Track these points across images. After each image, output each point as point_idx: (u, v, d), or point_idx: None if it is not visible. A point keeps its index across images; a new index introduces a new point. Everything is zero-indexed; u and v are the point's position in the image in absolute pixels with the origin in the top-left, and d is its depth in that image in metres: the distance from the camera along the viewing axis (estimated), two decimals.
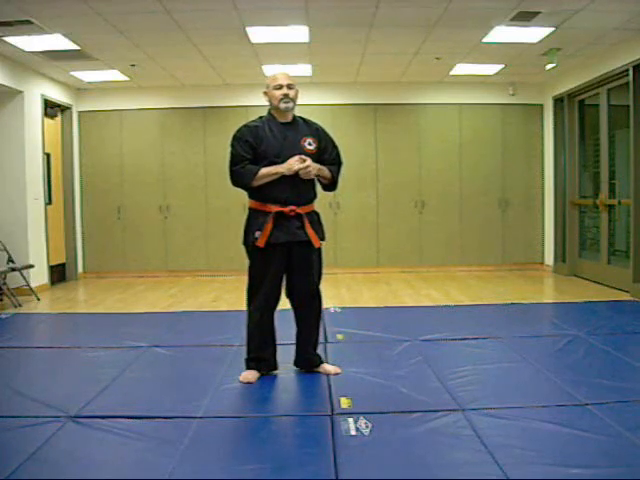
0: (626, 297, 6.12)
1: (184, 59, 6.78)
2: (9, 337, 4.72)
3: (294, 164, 3.27)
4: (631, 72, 6.09)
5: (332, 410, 2.96)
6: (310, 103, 7.92)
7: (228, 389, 3.34)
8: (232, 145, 3.39)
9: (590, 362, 3.75)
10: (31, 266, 6.79)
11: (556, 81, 7.91)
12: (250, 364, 3.50)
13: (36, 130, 7.15)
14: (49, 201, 7.58)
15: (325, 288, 7.09)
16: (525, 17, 5.34)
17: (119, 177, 8.36)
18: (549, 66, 6.75)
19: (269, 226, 3.29)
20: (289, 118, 3.42)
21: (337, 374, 3.51)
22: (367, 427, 2.73)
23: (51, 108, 7.70)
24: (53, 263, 7.62)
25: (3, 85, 6.45)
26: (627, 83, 6.22)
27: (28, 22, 5.21)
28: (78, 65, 6.90)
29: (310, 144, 3.38)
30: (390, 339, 4.34)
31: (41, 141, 7.26)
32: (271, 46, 6.29)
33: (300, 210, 3.33)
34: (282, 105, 3.35)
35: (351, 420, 2.80)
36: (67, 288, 7.59)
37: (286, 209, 3.30)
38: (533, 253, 8.54)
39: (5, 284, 6.30)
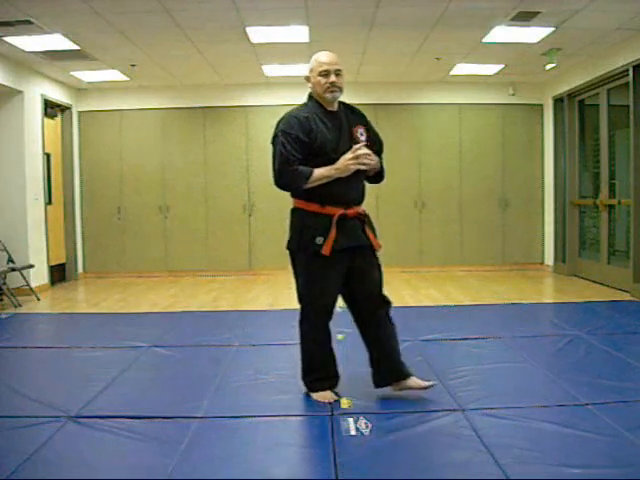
0: (626, 297, 6.12)
1: (184, 59, 6.78)
2: (9, 337, 4.73)
3: (350, 163, 2.89)
4: (631, 72, 6.09)
5: (332, 410, 2.96)
6: None
7: (228, 389, 3.34)
8: (280, 142, 2.91)
9: (590, 362, 3.75)
10: (31, 266, 6.79)
11: (556, 81, 7.91)
12: (319, 384, 3.10)
13: (36, 130, 7.15)
14: (49, 201, 7.58)
15: None
16: (525, 17, 5.34)
17: (119, 177, 8.36)
18: (549, 66, 6.75)
19: (334, 231, 2.91)
20: (335, 107, 3.04)
21: (425, 388, 3.06)
22: (367, 427, 2.73)
23: (51, 108, 7.70)
24: (53, 263, 7.62)
25: (3, 85, 6.45)
26: (627, 83, 6.22)
27: (28, 22, 5.21)
28: (78, 65, 6.90)
29: (362, 134, 3.00)
30: None
31: (41, 141, 7.26)
32: (271, 46, 6.29)
33: (360, 210, 3.04)
34: (328, 95, 2.97)
35: (351, 420, 2.81)
36: (67, 288, 7.59)
37: (350, 211, 2.96)
38: (533, 253, 8.54)
39: (5, 284, 6.30)
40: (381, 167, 3.13)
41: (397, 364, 3.10)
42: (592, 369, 3.58)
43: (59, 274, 7.92)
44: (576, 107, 7.72)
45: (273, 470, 2.41)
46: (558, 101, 7.96)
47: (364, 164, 2.93)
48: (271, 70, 7.44)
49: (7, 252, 6.60)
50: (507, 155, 8.45)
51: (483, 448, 2.49)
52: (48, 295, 6.96)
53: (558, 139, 8.00)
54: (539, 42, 6.12)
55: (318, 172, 2.89)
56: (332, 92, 2.97)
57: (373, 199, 8.30)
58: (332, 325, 3.84)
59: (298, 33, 5.83)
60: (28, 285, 6.66)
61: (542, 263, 8.50)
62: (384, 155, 3.20)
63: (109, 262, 8.38)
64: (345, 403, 3.03)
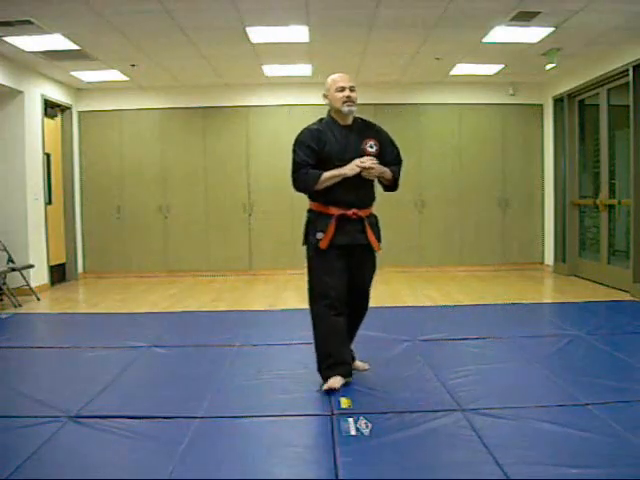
0: (626, 297, 6.12)
1: (184, 59, 6.78)
2: (9, 337, 4.73)
3: (357, 164, 3.25)
4: (631, 72, 6.09)
5: (332, 410, 2.96)
6: (310, 103, 7.93)
7: (228, 389, 3.34)
8: (294, 150, 3.34)
9: (590, 362, 3.75)
10: (31, 266, 6.79)
11: (556, 81, 7.91)
12: (331, 371, 3.28)
13: (36, 130, 7.15)
14: (49, 201, 7.58)
15: None
16: (525, 17, 5.34)
17: (119, 177, 8.36)
18: (549, 66, 6.75)
19: (332, 228, 3.26)
20: (349, 121, 3.41)
21: (365, 370, 3.58)
22: (367, 427, 2.73)
23: (51, 108, 7.70)
24: (53, 263, 7.62)
25: (3, 85, 6.45)
26: (627, 83, 6.22)
27: (28, 22, 5.21)
28: (78, 65, 6.90)
29: (372, 147, 3.35)
30: (390, 339, 4.34)
31: (41, 141, 7.26)
32: (271, 46, 6.29)
33: (361, 213, 3.33)
34: (345, 108, 3.34)
35: (351, 420, 2.81)
36: (67, 288, 7.59)
37: (349, 212, 3.28)
38: (533, 253, 8.54)
39: (5, 284, 6.30)
40: (395, 177, 3.45)
41: (350, 351, 3.54)
42: (592, 369, 3.58)
43: (59, 274, 7.92)
44: (576, 107, 7.72)
45: (273, 470, 2.41)
46: (558, 101, 7.96)
47: (366, 170, 3.26)
48: (271, 70, 7.44)
49: (7, 252, 6.60)
50: (507, 155, 8.45)
51: (483, 448, 2.49)
52: (48, 295, 6.96)
53: (558, 139, 8.00)
54: (539, 42, 6.12)
55: (327, 174, 3.25)
56: (349, 106, 3.34)
57: None
58: None
59: (298, 33, 5.83)
60: (28, 285, 6.66)
61: (542, 263, 8.50)
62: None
63: (109, 262, 8.38)
64: (345, 403, 3.04)
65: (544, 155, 8.43)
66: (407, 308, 5.81)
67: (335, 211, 3.27)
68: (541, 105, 8.42)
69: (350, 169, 3.25)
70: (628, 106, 6.19)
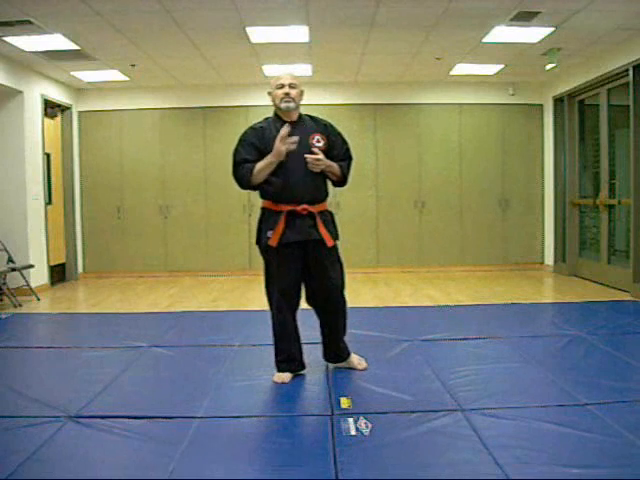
0: (626, 297, 6.12)
1: (184, 59, 6.78)
2: (9, 337, 4.73)
3: (278, 145, 3.22)
4: (631, 72, 6.09)
5: (332, 410, 2.96)
6: (310, 103, 7.92)
7: (228, 389, 3.34)
8: (236, 149, 3.41)
9: (590, 362, 3.75)
10: (31, 266, 6.79)
11: (556, 81, 7.91)
12: (282, 366, 3.47)
13: (36, 130, 7.15)
14: (49, 201, 7.58)
15: None
16: (525, 17, 5.34)
17: (119, 177, 8.36)
18: (549, 66, 6.75)
19: (281, 225, 3.28)
20: (294, 117, 3.43)
21: (363, 369, 3.60)
22: (367, 427, 2.73)
23: (51, 108, 7.70)
24: (53, 263, 7.62)
25: (3, 85, 6.45)
26: (627, 83, 6.23)
27: (28, 22, 5.21)
28: (78, 65, 6.90)
29: (319, 141, 3.39)
30: (390, 339, 4.35)
31: (41, 141, 7.26)
32: (271, 46, 6.29)
33: (313, 209, 3.33)
34: (283, 104, 3.36)
35: (351, 420, 2.81)
36: (67, 288, 7.59)
37: (298, 208, 3.29)
38: (533, 253, 8.54)
39: (5, 284, 6.30)
40: (343, 173, 3.49)
41: (338, 350, 3.61)
42: (592, 369, 3.58)
43: (59, 274, 7.93)
44: (576, 107, 7.72)
45: (273, 470, 2.41)
46: (558, 101, 7.96)
47: (312, 163, 3.28)
48: (271, 70, 7.43)
49: (7, 252, 6.60)
50: (507, 155, 8.45)
51: (483, 448, 2.49)
52: (48, 295, 6.96)
53: (558, 139, 7.99)
54: (539, 42, 6.12)
55: (258, 164, 3.31)
56: (286, 102, 3.36)
57: (373, 199, 8.32)
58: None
59: (298, 33, 5.83)
60: (28, 285, 6.66)
61: (542, 263, 8.50)
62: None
63: (109, 262, 8.38)
64: (345, 403, 3.04)
65: (544, 155, 8.43)
66: (407, 308, 5.81)
67: (285, 207, 3.29)
68: (541, 105, 8.42)
69: (275, 152, 3.23)
70: (628, 106, 6.19)
